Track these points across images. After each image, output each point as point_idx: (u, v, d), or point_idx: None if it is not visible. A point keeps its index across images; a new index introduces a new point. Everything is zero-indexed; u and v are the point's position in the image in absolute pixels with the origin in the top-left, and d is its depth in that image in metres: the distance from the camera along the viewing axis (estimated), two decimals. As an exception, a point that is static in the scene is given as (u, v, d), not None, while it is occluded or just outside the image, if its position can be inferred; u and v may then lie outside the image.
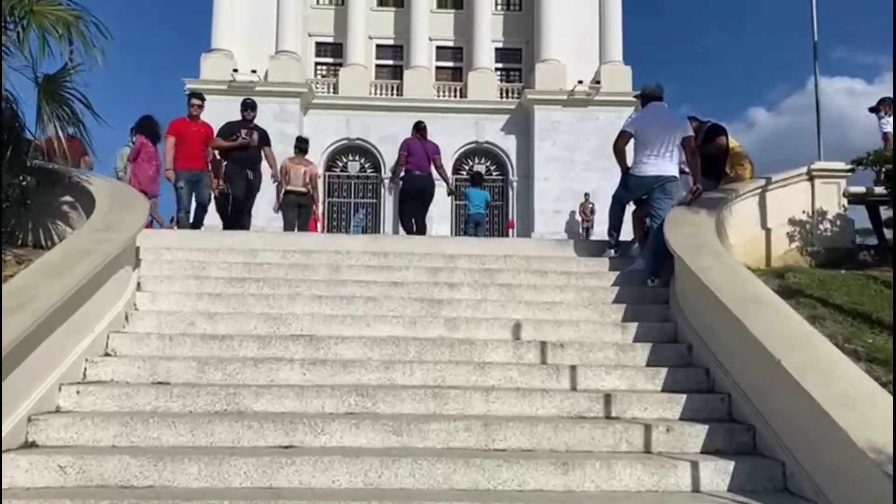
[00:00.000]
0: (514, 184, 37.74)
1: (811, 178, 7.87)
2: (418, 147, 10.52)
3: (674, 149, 6.63)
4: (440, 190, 11.18)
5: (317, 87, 37.75)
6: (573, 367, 5.06)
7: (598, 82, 37.53)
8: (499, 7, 40.22)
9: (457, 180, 37.60)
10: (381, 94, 38.17)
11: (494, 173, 38.32)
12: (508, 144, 37.98)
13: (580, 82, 36.89)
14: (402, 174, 10.58)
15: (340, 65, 38.18)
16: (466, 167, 38.12)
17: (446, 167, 36.41)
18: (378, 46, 39.48)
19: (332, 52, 39.20)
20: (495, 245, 7.38)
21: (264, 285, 6.21)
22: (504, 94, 38.63)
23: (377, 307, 5.94)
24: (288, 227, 10.70)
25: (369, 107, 37.18)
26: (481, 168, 38.23)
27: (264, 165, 10.28)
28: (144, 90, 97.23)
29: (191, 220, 9.80)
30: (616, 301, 6.28)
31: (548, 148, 36.86)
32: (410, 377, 4.92)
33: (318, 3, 39.55)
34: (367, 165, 37.91)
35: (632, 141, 6.79)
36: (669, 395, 4.80)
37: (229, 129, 9.98)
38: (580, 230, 35.84)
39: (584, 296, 6.36)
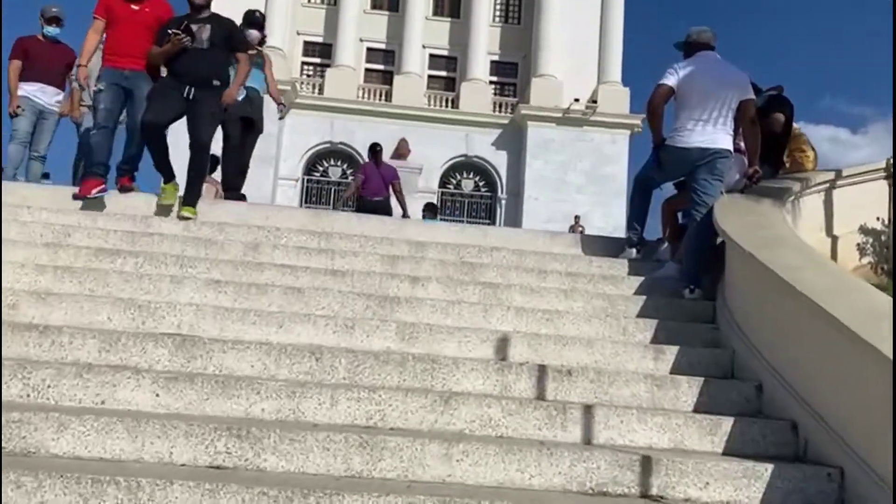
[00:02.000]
0: (503, 201, 36.09)
1: (891, 177, 6.16)
2: (373, 171, 10.28)
3: (728, 113, 4.87)
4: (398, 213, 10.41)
5: (301, 87, 35.98)
6: (588, 408, 3.24)
7: (594, 102, 36.13)
8: (496, 19, 38.86)
9: (443, 194, 36.01)
10: (368, 98, 36.47)
11: (483, 189, 36.68)
12: (499, 160, 36.39)
13: (576, 100, 35.49)
14: (356, 200, 10.36)
15: (328, 65, 36.51)
16: (454, 181, 36.47)
17: (434, 177, 35.17)
18: (369, 49, 37.91)
19: (321, 52, 37.57)
20: (479, 234, 5.55)
21: (144, 262, 4.34)
22: (497, 108, 37.11)
23: (301, 302, 4.09)
24: None
25: (355, 111, 35.48)
26: (469, 183, 36.62)
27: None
28: None
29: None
30: (642, 315, 4.48)
31: (539, 166, 35.30)
32: (330, 410, 3.08)
33: (308, 1, 37.96)
34: (348, 171, 36.06)
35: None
36: (741, 462, 2.98)
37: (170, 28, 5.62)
38: (568, 253, 34.29)
39: (598, 305, 4.55)
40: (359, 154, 35.30)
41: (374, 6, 38.45)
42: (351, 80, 36.19)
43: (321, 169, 36.06)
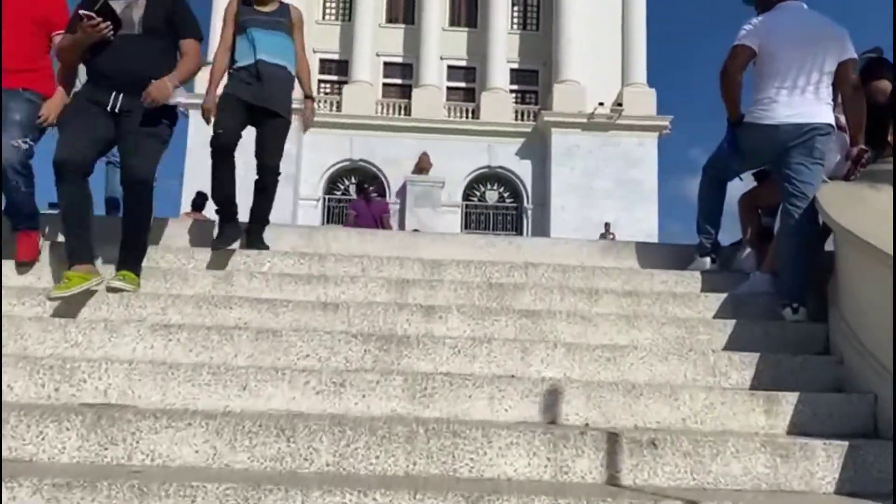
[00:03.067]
0: (529, 212, 34.95)
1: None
2: (363, 208, 10.59)
3: (824, 79, 3.77)
4: None
5: (319, 105, 35.31)
6: None
7: (619, 105, 34.92)
8: (515, 26, 37.91)
9: (467, 207, 34.99)
10: (387, 113, 35.69)
11: (508, 200, 35.59)
12: (523, 170, 35.28)
13: (601, 104, 34.30)
14: None
15: (345, 82, 35.82)
16: (478, 193, 35.44)
17: (458, 190, 34.20)
18: (386, 64, 37.17)
19: (338, 69, 36.91)
20: (510, 248, 4.47)
21: (76, 302, 3.35)
22: (519, 117, 36.07)
23: (277, 350, 3.06)
24: None
25: (374, 126, 34.70)
26: (493, 194, 35.57)
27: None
28: None
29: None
30: (733, 346, 3.38)
31: (565, 174, 34.10)
32: (302, 523, 2.03)
33: (323, 18, 37.43)
34: (370, 189, 35.24)
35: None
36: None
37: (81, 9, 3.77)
38: (600, 263, 32.99)
39: (673, 335, 3.45)
40: (379, 171, 34.53)
41: (390, 19, 37.77)
42: (369, 96, 35.46)
43: (342, 187, 35.29)
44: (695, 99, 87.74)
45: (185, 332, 3.06)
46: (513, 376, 2.98)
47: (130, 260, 3.55)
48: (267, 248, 4.20)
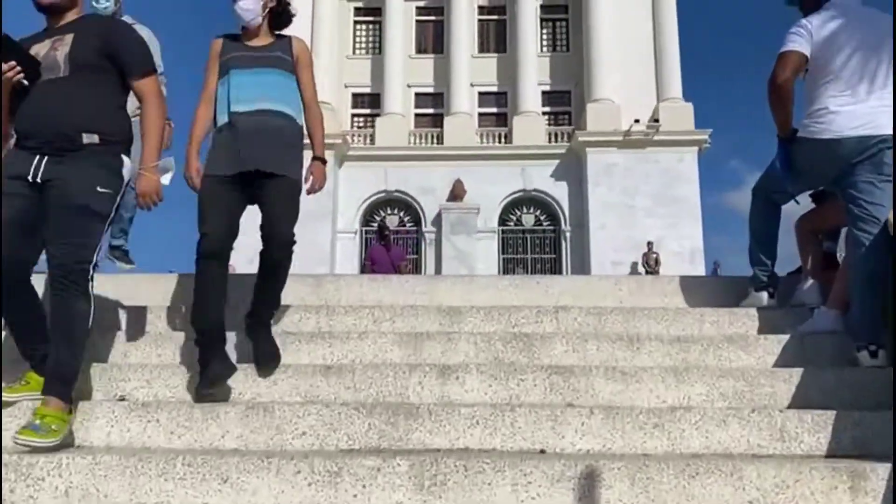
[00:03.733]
0: (567, 234, 34.29)
1: None
2: (382, 254, 10.51)
3: (888, 83, 3.28)
4: None
5: (353, 140, 35.46)
6: None
7: (656, 121, 34.19)
8: (544, 48, 37.64)
9: (503, 231, 34.53)
10: (420, 143, 35.62)
11: (545, 223, 34.99)
12: (559, 192, 34.70)
13: (636, 121, 33.63)
14: None
15: (378, 115, 35.91)
16: (514, 217, 34.96)
17: (493, 216, 33.78)
18: (417, 95, 37.19)
19: (370, 102, 37.06)
20: (538, 289, 4.01)
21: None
22: (552, 139, 35.60)
23: (271, 425, 2.67)
24: None
25: (408, 157, 34.61)
26: (530, 217, 35.04)
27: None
28: None
29: None
30: (802, 402, 2.87)
31: (603, 193, 33.41)
32: None
33: (353, 52, 37.73)
34: (406, 219, 35.12)
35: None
36: None
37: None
38: (644, 283, 32.06)
39: (730, 389, 2.96)
40: (414, 200, 34.37)
41: (419, 51, 37.88)
42: (401, 127, 35.47)
43: (378, 219, 35.16)
44: (733, 108, 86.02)
45: (166, 412, 2.69)
46: (542, 451, 2.53)
47: (58, 389, 2.60)
48: (275, 354, 3.08)
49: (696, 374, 3.01)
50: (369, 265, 10.42)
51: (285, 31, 3.58)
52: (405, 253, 11.26)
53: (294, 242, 3.41)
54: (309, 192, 3.44)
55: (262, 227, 3.30)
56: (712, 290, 4.06)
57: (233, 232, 3.23)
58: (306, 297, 3.95)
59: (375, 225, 34.72)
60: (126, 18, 4.80)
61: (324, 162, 3.52)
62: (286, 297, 3.93)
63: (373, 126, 35.86)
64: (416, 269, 34.44)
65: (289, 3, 3.55)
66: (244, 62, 3.30)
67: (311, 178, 3.41)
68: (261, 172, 3.18)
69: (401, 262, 10.56)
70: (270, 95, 3.26)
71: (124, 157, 2.86)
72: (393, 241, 10.79)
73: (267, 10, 3.40)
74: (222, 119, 3.23)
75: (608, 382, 2.96)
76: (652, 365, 3.13)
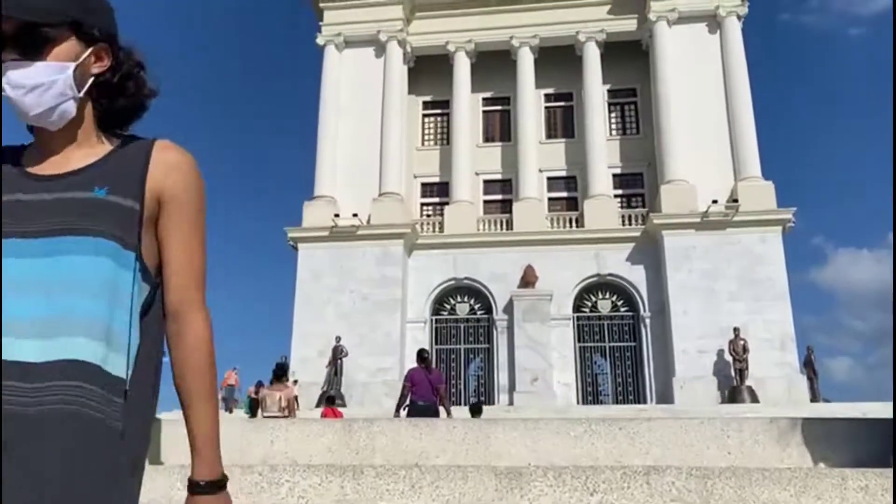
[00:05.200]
0: (647, 320, 32.73)
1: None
2: (422, 377, 10.86)
3: None
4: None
5: (422, 228, 35.47)
6: None
7: (735, 200, 32.84)
8: (613, 132, 37.33)
9: (578, 318, 33.26)
10: (489, 229, 35.28)
11: (622, 309, 33.59)
12: (636, 276, 33.41)
13: (714, 202, 32.41)
14: (407, 404, 10.78)
15: (446, 203, 35.95)
16: (589, 304, 33.71)
17: (567, 302, 32.71)
18: (485, 182, 37.26)
19: (438, 191, 37.30)
20: (622, 437, 3.19)
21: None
22: (626, 222, 34.65)
23: None
24: None
25: (477, 243, 34.28)
26: (606, 303, 33.70)
27: None
28: (252, 243, 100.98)
29: None
30: None
31: (683, 278, 31.95)
32: None
33: (423, 144, 38.38)
34: (476, 307, 34.41)
35: None
36: None
37: None
38: (732, 372, 29.93)
39: None
40: (484, 287, 33.73)
41: (487, 139, 38.18)
42: (470, 215, 35.34)
43: (448, 307, 34.62)
44: (814, 179, 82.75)
45: None
46: None
47: None
48: None
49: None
50: (409, 386, 10.87)
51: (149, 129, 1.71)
52: (442, 376, 11.57)
53: None
54: None
55: None
56: (849, 435, 3.14)
57: None
58: (335, 449, 3.25)
59: (445, 313, 34.23)
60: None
61: (221, 486, 1.53)
62: (314, 445, 3.24)
63: (442, 214, 35.90)
64: (488, 358, 33.42)
65: (138, 64, 1.60)
66: (21, 218, 1.44)
67: None
68: None
69: (440, 385, 11.08)
70: (67, 322, 1.39)
71: None
72: (433, 364, 11.57)
73: (88, 84, 1.51)
74: None
75: None
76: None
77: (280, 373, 12.21)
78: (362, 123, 36.24)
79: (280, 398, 11.15)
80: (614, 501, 2.70)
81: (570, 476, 2.85)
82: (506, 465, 3.00)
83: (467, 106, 37.16)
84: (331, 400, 13.74)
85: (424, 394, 10.76)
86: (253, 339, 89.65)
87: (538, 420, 3.48)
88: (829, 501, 2.66)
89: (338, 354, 30.88)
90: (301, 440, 3.31)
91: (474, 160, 36.60)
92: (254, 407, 28.38)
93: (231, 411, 27.58)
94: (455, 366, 33.88)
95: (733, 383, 29.57)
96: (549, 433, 3.23)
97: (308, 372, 31.49)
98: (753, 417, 3.28)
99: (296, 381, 29.60)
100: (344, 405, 29.79)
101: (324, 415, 12.57)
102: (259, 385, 29.13)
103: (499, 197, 36.87)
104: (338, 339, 31.19)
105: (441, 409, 10.98)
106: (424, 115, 38.93)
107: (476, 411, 12.75)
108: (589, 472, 2.86)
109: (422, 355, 11.40)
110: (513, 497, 2.79)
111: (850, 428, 3.37)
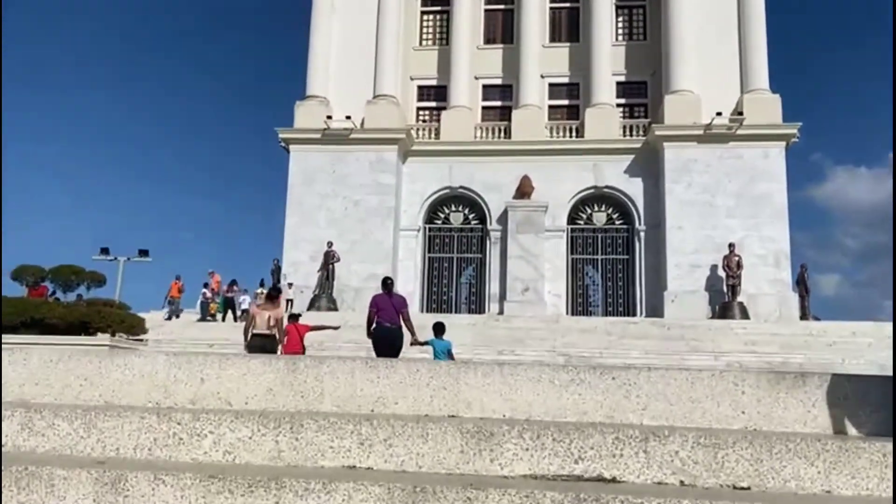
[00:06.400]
0: (642, 234, 32.32)
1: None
2: (386, 302, 11.53)
3: None
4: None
5: (417, 134, 34.38)
6: None
7: (740, 114, 31.77)
8: (619, 37, 35.61)
9: (573, 230, 32.82)
10: (487, 137, 34.23)
11: (617, 222, 33.12)
12: (633, 189, 32.74)
13: (719, 114, 31.35)
14: (374, 327, 11.41)
15: (444, 108, 34.70)
16: (584, 216, 33.18)
17: (562, 214, 32.22)
18: (484, 87, 35.84)
19: (436, 95, 35.92)
20: (617, 389, 2.67)
21: None
22: (627, 132, 33.62)
23: None
24: None
25: (474, 152, 33.37)
26: (601, 216, 33.17)
27: None
28: (242, 145, 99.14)
29: None
30: None
31: (681, 191, 31.31)
32: None
33: (420, 44, 36.63)
34: (471, 216, 33.86)
35: None
36: None
37: None
38: (724, 288, 29.80)
39: None
40: (479, 197, 33.10)
41: (488, 41, 36.46)
42: (467, 121, 34.20)
43: (442, 216, 34.07)
44: (816, 95, 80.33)
45: None
46: None
47: None
48: None
49: None
50: (375, 311, 11.35)
51: None
52: (405, 300, 12.09)
53: None
54: None
55: None
56: (882, 396, 2.63)
57: None
58: (274, 389, 2.73)
59: (439, 222, 33.70)
60: None
61: None
62: (252, 385, 2.73)
63: (438, 120, 34.73)
64: (481, 267, 33.16)
65: None
66: None
67: None
68: None
69: (403, 309, 11.53)
70: None
71: None
72: (394, 289, 12.10)
73: None
74: None
75: None
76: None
77: (274, 294, 12.88)
78: (357, 19, 34.51)
79: (269, 318, 11.68)
80: (602, 471, 2.21)
81: (552, 438, 2.36)
82: (475, 415, 2.51)
83: (469, 3, 35.29)
84: (294, 317, 13.56)
85: (389, 317, 11.38)
86: (245, 244, 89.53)
87: (516, 367, 2.95)
88: (865, 481, 2.17)
89: (329, 259, 30.56)
90: (237, 379, 2.80)
91: (474, 63, 35.08)
92: (228, 306, 28.32)
93: (171, 318, 27.34)
94: (447, 274, 33.68)
95: (725, 299, 29.48)
96: (528, 380, 2.72)
97: (300, 276, 31.30)
98: (772, 373, 2.81)
99: (290, 284, 29.40)
100: (336, 309, 29.77)
101: (286, 331, 12.39)
102: (232, 283, 28.95)
103: (498, 103, 35.59)
104: (329, 244, 30.81)
105: (405, 330, 11.56)
106: (423, 13, 36.99)
107: (439, 330, 12.77)
108: (574, 434, 2.36)
109: (385, 283, 12.01)
110: (480, 461, 2.30)
111: (877, 383, 2.86)
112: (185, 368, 2.78)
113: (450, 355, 12.61)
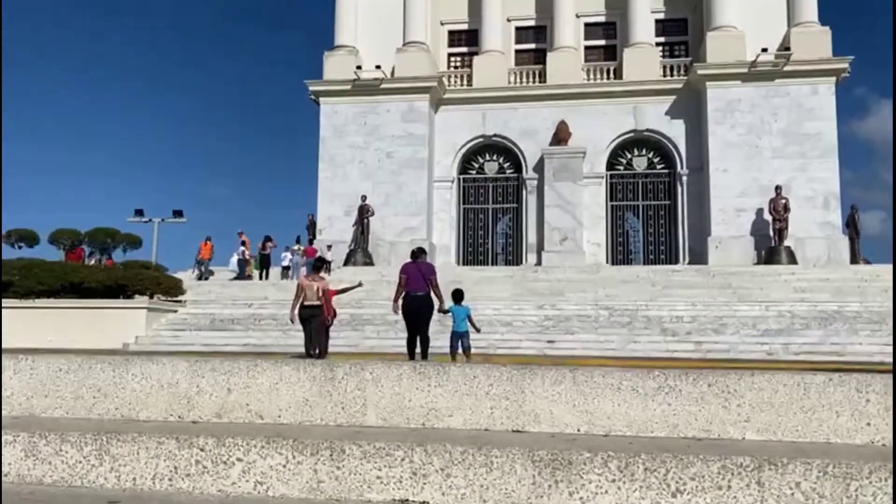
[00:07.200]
0: (684, 178, 31.28)
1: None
2: (415, 270, 11.61)
3: None
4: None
5: (449, 81, 33.46)
6: None
7: (787, 49, 30.14)
8: (659, -29, 33.81)
9: (612, 177, 31.92)
10: (521, 82, 33.15)
11: (659, 167, 32.08)
12: (675, 131, 31.56)
13: (764, 50, 29.79)
14: (403, 295, 11.57)
15: (476, 53, 33.63)
16: (624, 160, 32.20)
17: (601, 160, 31.33)
18: (517, 29, 34.55)
19: (467, 40, 34.78)
20: (713, 396, 2.25)
21: None
22: (668, 72, 32.24)
23: None
24: (305, 336, 12.34)
25: (508, 98, 32.40)
26: (642, 161, 32.14)
27: None
28: (271, 96, 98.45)
29: None
30: None
31: (725, 133, 30.08)
32: None
33: (450, -15, 35.28)
34: (506, 165, 33.12)
35: None
36: None
37: None
38: (770, 232, 28.79)
39: None
40: (514, 145, 32.28)
41: (520, -20, 34.97)
42: (500, 66, 33.12)
43: (476, 166, 33.38)
44: (857, 26, 75.94)
45: None
46: None
47: None
48: None
49: None
50: (405, 279, 11.47)
51: None
52: (433, 267, 11.97)
53: None
54: None
55: None
56: None
57: None
58: (311, 401, 2.37)
59: (473, 172, 33.02)
60: None
61: None
62: (277, 399, 2.36)
63: (470, 66, 33.70)
64: (517, 218, 32.58)
65: None
66: None
67: None
68: None
69: (432, 276, 11.52)
70: None
71: None
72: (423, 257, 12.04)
73: None
74: None
75: None
76: None
77: (319, 264, 13.56)
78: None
79: (318, 289, 12.10)
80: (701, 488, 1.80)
81: (643, 467, 1.95)
82: (544, 430, 2.11)
83: (499, -58, 33.81)
84: (316, 268, 13.23)
85: (417, 286, 11.43)
86: (279, 201, 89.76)
87: (593, 371, 2.53)
88: None
89: (364, 213, 30.27)
90: (268, 389, 2.44)
91: (506, 4, 33.74)
92: (264, 263, 28.40)
93: (201, 279, 27.37)
94: (483, 225, 33.19)
95: (771, 243, 28.50)
96: (606, 388, 2.31)
97: (334, 231, 31.13)
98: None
99: (329, 247, 29.23)
100: (372, 263, 29.60)
101: (299, 285, 12.41)
102: (267, 239, 28.98)
103: (532, 46, 34.33)
104: (363, 198, 30.47)
105: (434, 297, 11.66)
106: (452, -47, 35.57)
107: (458, 297, 12.65)
108: (671, 462, 1.96)
109: (413, 252, 12.08)
110: (557, 495, 1.92)
111: None
112: (210, 377, 2.42)
113: (469, 320, 12.74)
